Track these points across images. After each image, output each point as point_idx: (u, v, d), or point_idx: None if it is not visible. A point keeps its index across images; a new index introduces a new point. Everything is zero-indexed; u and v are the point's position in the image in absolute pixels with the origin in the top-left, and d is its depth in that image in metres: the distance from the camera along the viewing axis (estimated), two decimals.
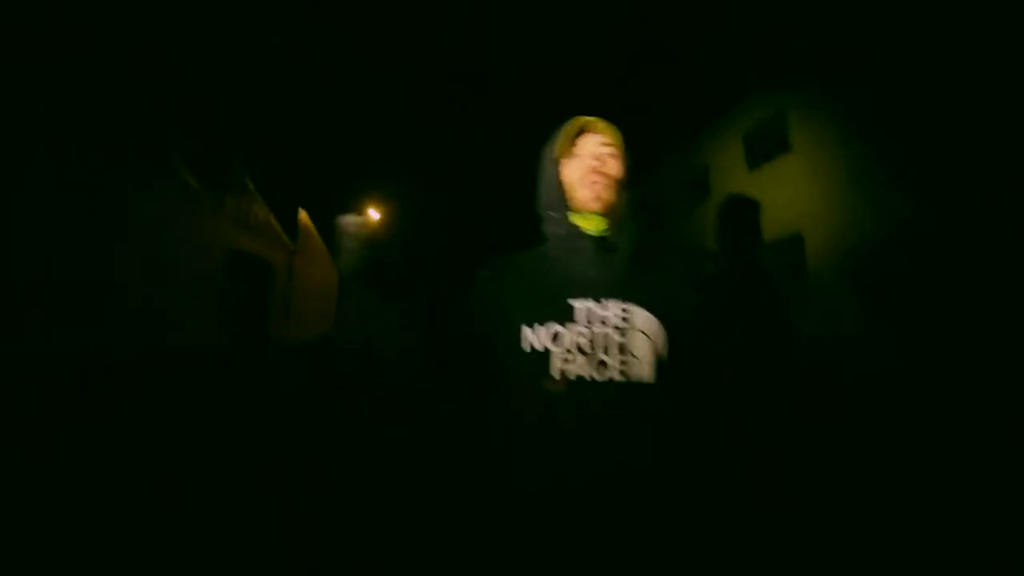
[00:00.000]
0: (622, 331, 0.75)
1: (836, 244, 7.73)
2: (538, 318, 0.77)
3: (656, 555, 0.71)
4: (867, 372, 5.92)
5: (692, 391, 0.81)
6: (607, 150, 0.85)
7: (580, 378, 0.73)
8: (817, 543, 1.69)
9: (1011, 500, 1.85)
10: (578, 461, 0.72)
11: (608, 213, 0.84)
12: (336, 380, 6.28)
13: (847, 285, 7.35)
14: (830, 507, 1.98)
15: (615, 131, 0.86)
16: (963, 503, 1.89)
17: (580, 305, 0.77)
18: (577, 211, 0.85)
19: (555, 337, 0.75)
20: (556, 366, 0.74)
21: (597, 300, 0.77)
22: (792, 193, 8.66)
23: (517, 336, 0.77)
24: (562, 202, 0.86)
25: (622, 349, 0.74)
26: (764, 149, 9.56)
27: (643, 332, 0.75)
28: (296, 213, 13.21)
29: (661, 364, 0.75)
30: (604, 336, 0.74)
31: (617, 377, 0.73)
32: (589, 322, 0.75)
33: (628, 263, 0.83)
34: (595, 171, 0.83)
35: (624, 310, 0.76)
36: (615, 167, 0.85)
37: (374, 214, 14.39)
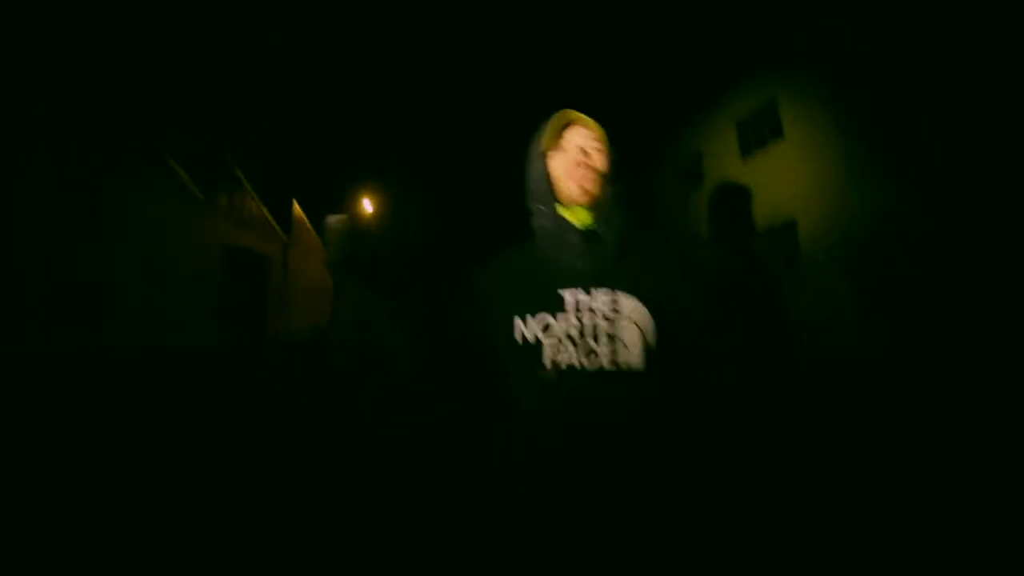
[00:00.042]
0: (611, 320, 0.76)
1: (828, 229, 7.76)
2: (529, 310, 0.79)
3: (651, 541, 0.72)
4: (861, 357, 5.95)
5: (682, 378, 0.82)
6: (592, 144, 0.86)
7: (571, 367, 0.75)
8: (812, 530, 1.69)
9: (1007, 484, 1.86)
10: (571, 448, 0.73)
11: (594, 205, 0.85)
12: (333, 377, 6.27)
13: (839, 270, 7.40)
14: (824, 493, 1.98)
15: (599, 126, 0.88)
16: (958, 487, 1.89)
17: (569, 296, 0.78)
18: (564, 204, 0.87)
19: (546, 328, 0.77)
20: (547, 356, 0.76)
21: (586, 291, 0.79)
22: (784, 180, 8.71)
23: (510, 328, 0.79)
24: (550, 195, 0.87)
25: (611, 337, 0.75)
26: (757, 136, 9.60)
27: (632, 320, 0.77)
28: (290, 207, 13.23)
29: (650, 351, 0.77)
30: (593, 325, 0.76)
31: (607, 365, 0.74)
32: (578, 312, 0.77)
33: (615, 253, 0.85)
34: (581, 164, 0.84)
35: (613, 299, 0.78)
36: (600, 160, 0.86)
37: (368, 206, 14.32)
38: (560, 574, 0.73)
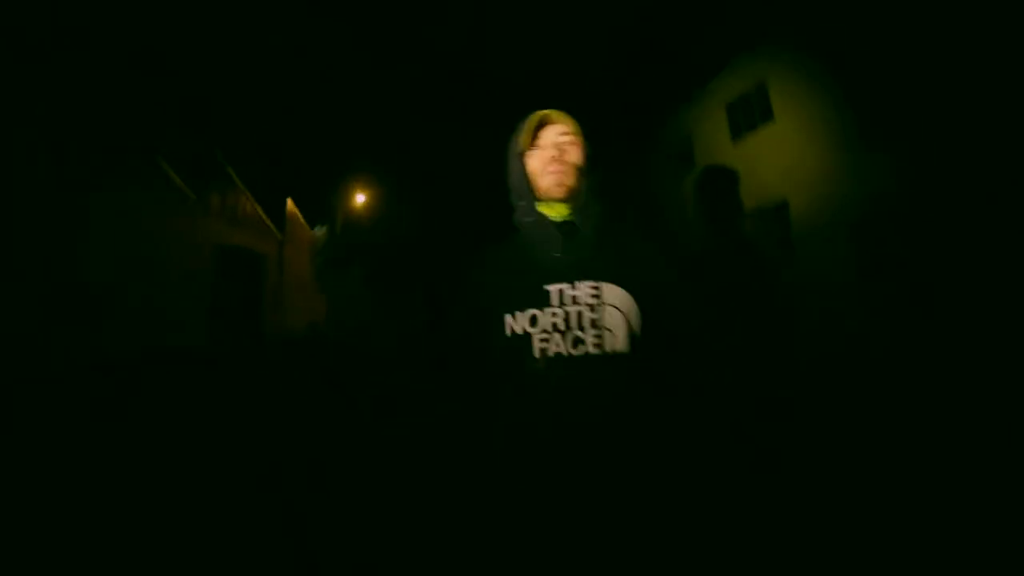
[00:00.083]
0: (594, 308, 0.80)
1: (820, 210, 7.80)
2: (517, 305, 0.82)
3: (644, 520, 0.75)
4: (855, 335, 5.98)
5: (668, 359, 0.85)
6: (566, 139, 0.89)
7: (558, 355, 0.78)
8: (801, 509, 1.69)
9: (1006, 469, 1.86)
10: (562, 434, 0.77)
11: (571, 198, 0.88)
12: (332, 377, 6.28)
13: (832, 250, 7.44)
14: (817, 474, 1.98)
15: (573, 120, 0.91)
16: (958, 481, 1.89)
17: (554, 288, 0.82)
18: (542, 199, 0.90)
19: (533, 321, 0.81)
20: (536, 347, 0.79)
21: (570, 282, 0.82)
22: (776, 162, 8.74)
23: (501, 324, 0.83)
24: (529, 192, 0.91)
25: (595, 324, 0.79)
26: (748, 119, 9.61)
27: (614, 306, 0.80)
28: (283, 204, 13.26)
29: (634, 336, 0.80)
30: (577, 314, 0.79)
31: (592, 351, 0.78)
32: (562, 303, 0.81)
33: (595, 243, 0.88)
34: (555, 160, 0.87)
35: (594, 288, 0.81)
36: (575, 154, 0.89)
37: (361, 199, 14.30)
38: (558, 564, 0.74)
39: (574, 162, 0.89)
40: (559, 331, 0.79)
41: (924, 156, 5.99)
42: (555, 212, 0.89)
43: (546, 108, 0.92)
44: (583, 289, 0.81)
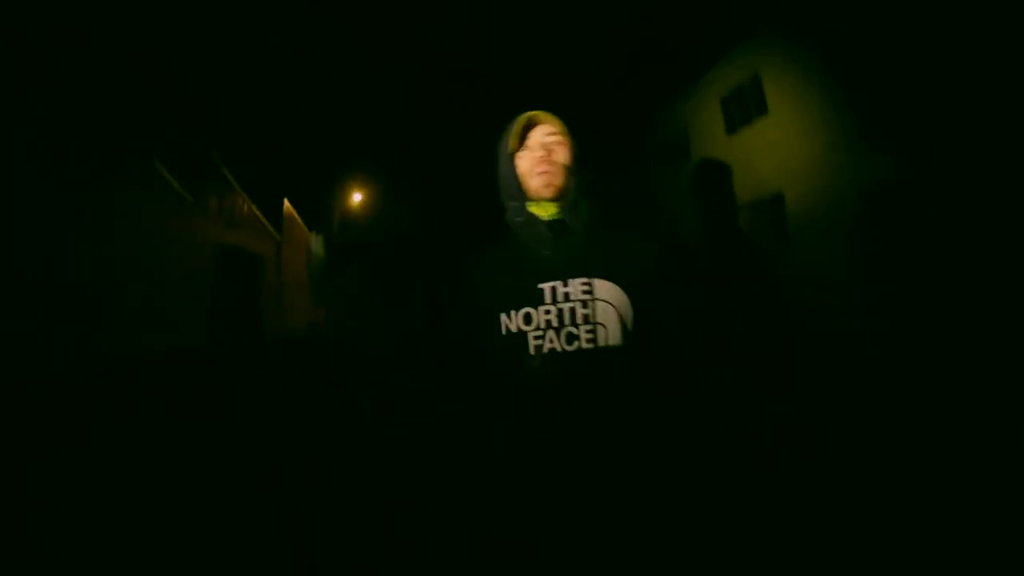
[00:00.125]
0: (586, 304, 0.81)
1: (816, 200, 7.81)
2: (512, 304, 0.84)
3: (638, 516, 0.76)
4: (853, 321, 5.99)
5: (663, 350, 0.86)
6: (553, 139, 0.91)
7: (553, 351, 0.80)
8: (798, 506, 1.69)
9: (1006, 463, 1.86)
10: (559, 428, 0.79)
11: (560, 197, 0.91)
12: (332, 377, 6.27)
13: (829, 243, 7.46)
14: (815, 470, 1.98)
15: (559, 121, 0.93)
16: (961, 475, 1.89)
17: (546, 287, 0.84)
18: (533, 199, 0.92)
19: (527, 319, 0.83)
20: (531, 344, 0.82)
21: (563, 279, 0.84)
22: (771, 154, 8.74)
23: (496, 323, 0.86)
24: (519, 193, 0.93)
25: (587, 320, 0.81)
26: (742, 113, 9.61)
27: (606, 301, 0.82)
28: (280, 205, 13.25)
29: (627, 329, 0.82)
30: (570, 311, 0.81)
31: (586, 346, 0.80)
32: (555, 300, 0.83)
33: (586, 240, 0.90)
34: (544, 160, 0.89)
35: (586, 284, 0.83)
36: (562, 154, 0.91)
37: (358, 197, 14.27)
38: (558, 562, 0.75)
39: (562, 162, 0.91)
40: (553, 328, 0.81)
41: (920, 148, 5.99)
42: (545, 211, 0.91)
43: (546, 108, 0.93)
44: (575, 286, 0.83)
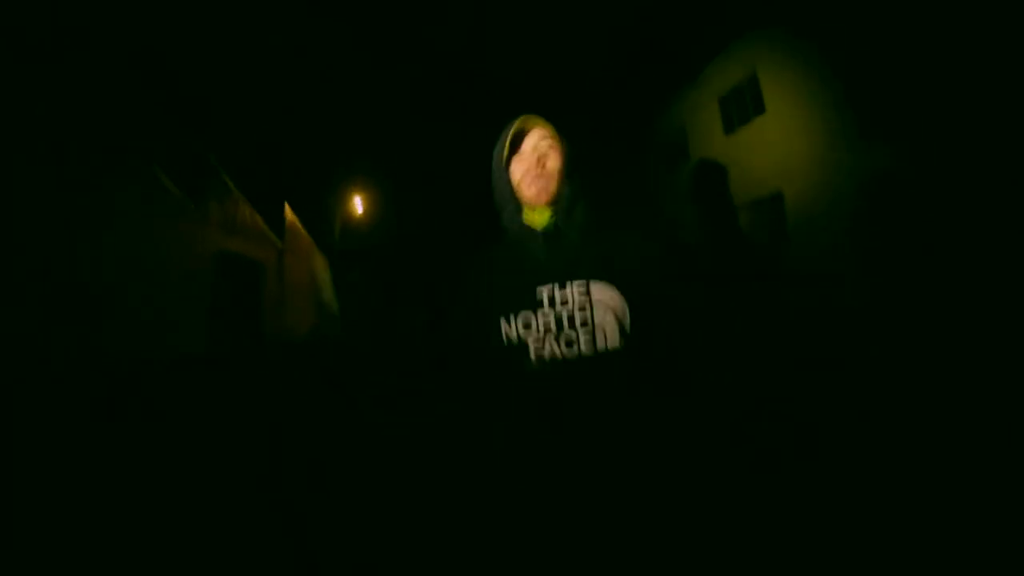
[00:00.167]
0: (584, 309, 0.82)
1: (815, 198, 7.82)
2: (512, 310, 0.85)
3: (638, 517, 0.76)
4: (855, 317, 5.99)
5: (663, 351, 0.86)
6: (545, 144, 0.91)
7: (552, 357, 0.81)
8: (800, 506, 1.69)
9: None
10: (559, 432, 0.79)
11: (554, 203, 0.91)
12: (331, 375, 6.27)
13: (829, 236, 7.46)
14: (816, 470, 1.98)
15: (550, 126, 0.93)
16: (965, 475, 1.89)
17: (544, 292, 0.85)
18: (527, 206, 0.93)
19: (527, 325, 0.84)
20: (531, 350, 0.83)
21: (560, 285, 0.84)
22: (770, 154, 8.75)
23: (497, 330, 0.86)
24: (514, 200, 0.94)
25: (585, 324, 0.81)
26: (740, 113, 9.60)
27: (605, 306, 0.82)
28: (281, 211, 13.23)
29: (626, 332, 0.82)
30: (569, 316, 0.82)
31: (584, 350, 0.80)
32: (552, 306, 0.83)
33: (582, 244, 0.90)
34: (536, 167, 0.90)
35: (584, 289, 0.83)
36: (555, 159, 0.92)
37: (360, 203, 14.26)
38: (558, 564, 0.75)
39: (555, 167, 0.91)
40: (551, 333, 0.82)
41: (918, 143, 6.01)
42: (540, 217, 0.92)
43: (545, 109, 0.93)
44: (572, 290, 0.83)
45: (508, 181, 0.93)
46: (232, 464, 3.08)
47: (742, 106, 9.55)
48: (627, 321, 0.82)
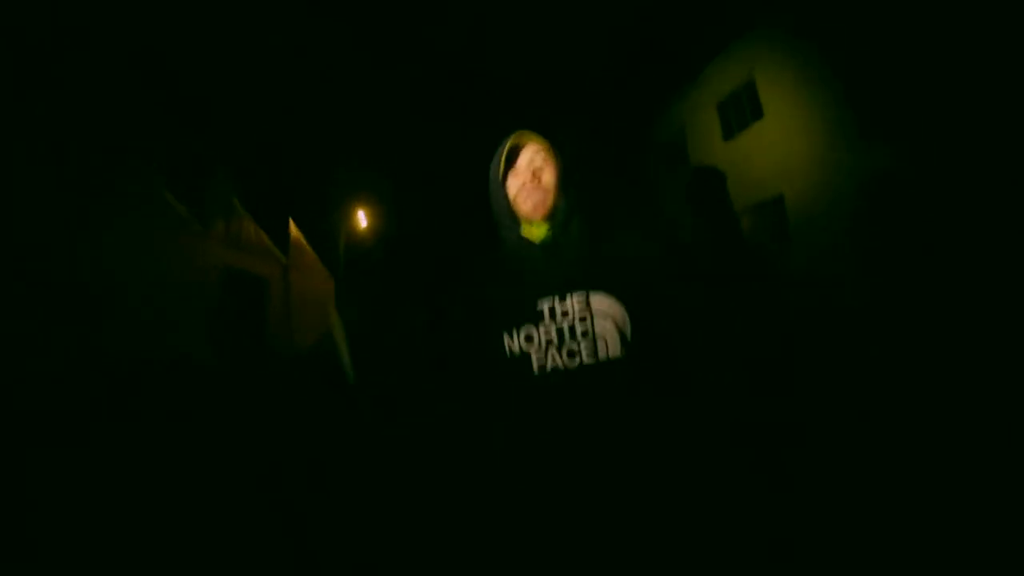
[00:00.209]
0: (585, 320, 0.84)
1: (816, 200, 7.82)
2: (514, 325, 0.87)
3: (640, 522, 0.77)
4: (858, 320, 5.99)
5: (665, 359, 0.88)
6: (539, 159, 0.94)
7: (555, 368, 0.83)
8: (801, 509, 1.70)
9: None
10: (562, 441, 0.81)
11: (551, 217, 0.93)
12: (337, 384, 6.28)
13: (831, 238, 7.47)
14: (818, 472, 1.98)
15: (544, 141, 0.95)
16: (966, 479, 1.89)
17: (545, 306, 0.86)
18: (524, 221, 0.95)
19: (529, 338, 0.85)
20: (534, 363, 0.84)
21: (561, 297, 0.86)
22: (769, 158, 8.76)
23: (500, 344, 0.88)
24: (511, 215, 0.96)
25: (586, 335, 0.83)
26: (739, 118, 9.60)
27: (605, 316, 0.84)
28: (286, 227, 13.26)
29: (626, 341, 0.84)
30: (570, 328, 0.84)
31: (586, 360, 0.82)
32: (553, 318, 0.85)
33: (580, 256, 0.91)
34: (532, 182, 0.92)
35: (582, 300, 0.85)
36: (550, 174, 0.94)
37: (364, 218, 14.36)
38: (559, 563, 0.76)
39: (550, 181, 0.93)
40: (553, 345, 0.84)
41: (917, 143, 6.02)
42: (537, 231, 0.94)
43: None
44: (572, 302, 0.85)
45: (505, 196, 0.95)
46: (232, 463, 3.08)
47: (740, 109, 9.55)
48: (628, 329, 0.84)
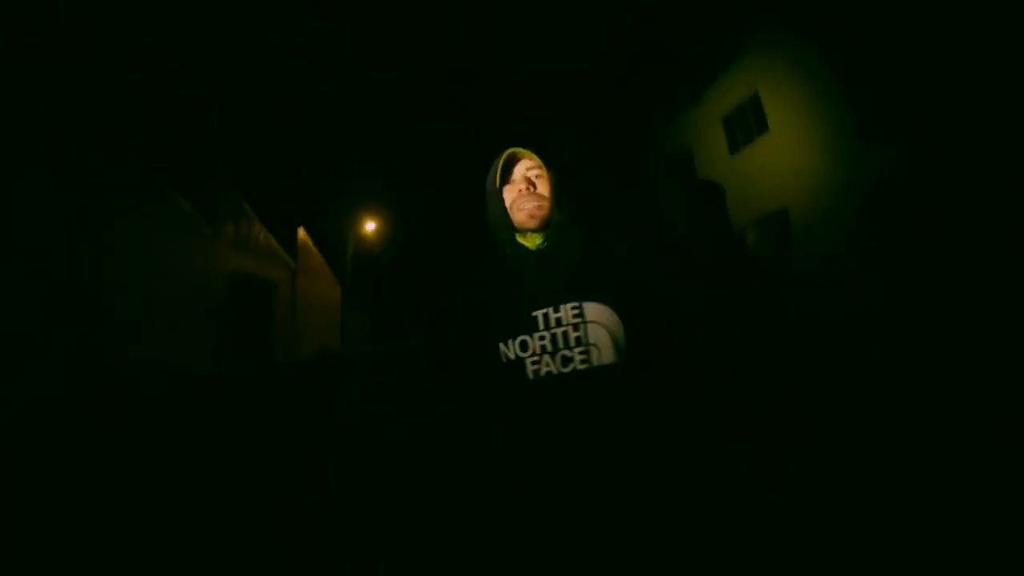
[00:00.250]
0: (578, 327, 0.86)
1: (821, 212, 7.83)
2: (509, 333, 0.89)
3: (637, 524, 0.78)
4: (860, 326, 6.00)
5: (664, 360, 0.91)
6: (534, 172, 0.97)
7: (549, 374, 0.85)
8: (802, 510, 1.69)
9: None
10: (557, 445, 0.82)
11: (545, 227, 0.96)
12: (342, 391, 6.27)
13: (835, 249, 7.48)
14: (818, 475, 1.98)
15: (537, 156, 0.98)
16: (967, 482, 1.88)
17: (539, 314, 0.88)
18: (519, 231, 0.98)
19: (523, 346, 0.87)
20: (529, 370, 0.86)
21: (554, 306, 0.89)
22: (774, 171, 8.78)
23: (496, 352, 0.90)
24: (506, 225, 0.98)
25: (580, 342, 0.85)
26: (744, 132, 9.63)
27: (596, 322, 0.87)
28: (294, 232, 13.33)
29: (620, 347, 0.86)
30: (563, 335, 0.86)
31: (580, 367, 0.84)
32: (548, 326, 0.87)
33: (574, 265, 0.93)
34: (526, 194, 0.95)
35: (576, 308, 0.87)
36: (544, 186, 0.97)
37: (371, 226, 14.44)
38: (557, 564, 0.77)
39: (544, 194, 0.96)
40: (548, 352, 0.86)
41: (920, 147, 6.03)
42: (532, 242, 0.97)
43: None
44: (566, 311, 0.87)
45: (501, 205, 0.98)
46: (233, 464, 3.08)
47: (746, 127, 9.55)
48: (621, 337, 0.86)
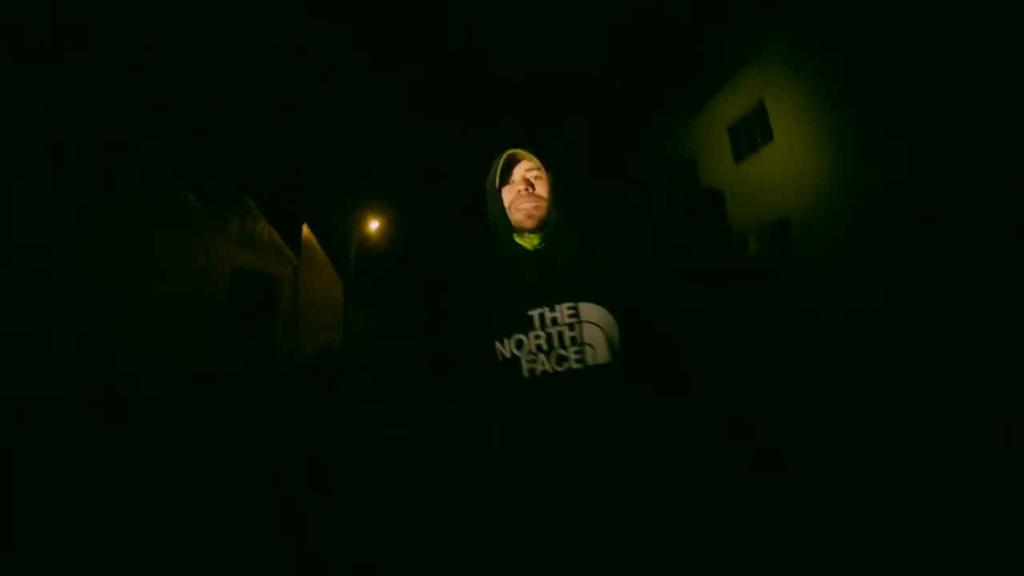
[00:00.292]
0: (573, 327, 0.87)
1: (823, 221, 7.83)
2: (505, 332, 0.90)
3: (634, 523, 0.79)
4: (853, 328, 6.01)
5: (661, 359, 0.91)
6: (533, 173, 0.98)
7: (544, 373, 0.86)
8: (802, 510, 1.70)
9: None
10: (552, 443, 0.83)
11: (543, 227, 0.97)
12: (343, 391, 6.27)
13: (836, 258, 7.48)
14: (818, 474, 1.98)
15: (535, 157, 0.99)
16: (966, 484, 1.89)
17: (535, 313, 0.89)
18: (518, 231, 0.98)
19: (519, 345, 0.88)
20: (524, 368, 0.87)
21: (550, 306, 0.89)
22: (778, 180, 8.80)
23: (492, 350, 0.91)
24: (505, 225, 0.99)
25: (575, 342, 0.86)
26: (749, 142, 9.67)
27: (592, 322, 0.87)
28: (298, 228, 13.35)
29: (614, 347, 0.87)
30: (559, 334, 0.87)
31: (575, 366, 0.85)
32: (543, 326, 0.88)
33: (571, 266, 0.94)
34: (524, 195, 0.96)
35: (572, 308, 0.88)
36: (542, 187, 0.98)
37: (374, 225, 14.48)
38: (555, 563, 0.78)
39: (542, 194, 0.97)
40: (543, 352, 0.87)
41: (920, 151, 6.02)
42: (531, 243, 0.98)
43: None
44: (561, 311, 0.88)
45: (500, 205, 0.99)
46: (233, 464, 3.08)
47: (751, 136, 9.57)
48: (616, 337, 0.87)
